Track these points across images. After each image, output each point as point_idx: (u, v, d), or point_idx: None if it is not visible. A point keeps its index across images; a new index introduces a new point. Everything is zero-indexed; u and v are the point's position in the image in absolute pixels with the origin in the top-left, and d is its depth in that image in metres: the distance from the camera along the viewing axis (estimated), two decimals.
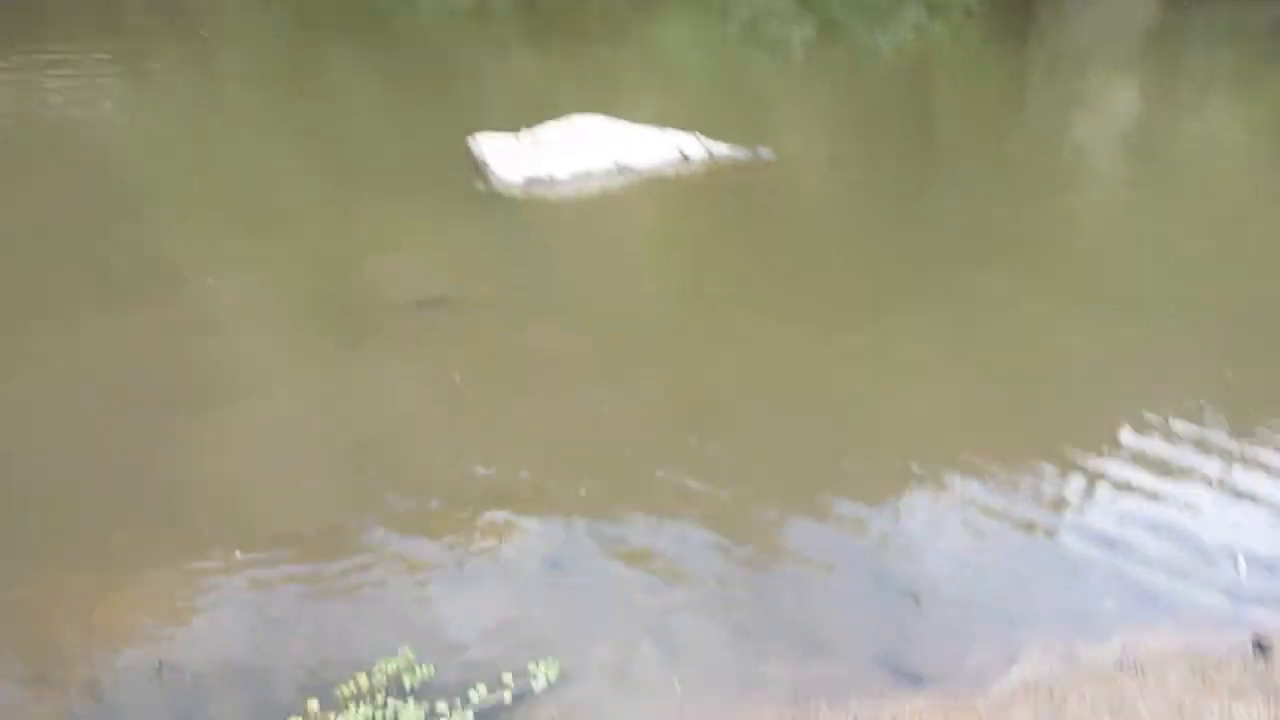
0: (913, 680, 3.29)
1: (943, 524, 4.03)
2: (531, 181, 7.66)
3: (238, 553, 3.64)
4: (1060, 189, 8.75)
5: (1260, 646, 3.40)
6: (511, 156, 7.87)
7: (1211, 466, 4.47)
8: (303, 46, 14.11)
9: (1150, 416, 4.85)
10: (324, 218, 6.91)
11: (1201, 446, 4.61)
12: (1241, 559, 3.86)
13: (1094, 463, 4.47)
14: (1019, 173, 9.40)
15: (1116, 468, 4.44)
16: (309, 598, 3.48)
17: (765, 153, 8.61)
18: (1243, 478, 4.40)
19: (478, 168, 7.90)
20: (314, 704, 2.98)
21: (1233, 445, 4.64)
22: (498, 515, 3.91)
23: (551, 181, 7.71)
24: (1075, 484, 4.32)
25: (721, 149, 8.49)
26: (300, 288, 5.77)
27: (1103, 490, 4.28)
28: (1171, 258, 7.32)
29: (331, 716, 2.94)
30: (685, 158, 8.31)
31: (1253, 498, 4.25)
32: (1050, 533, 4.02)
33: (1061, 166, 9.48)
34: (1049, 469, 4.42)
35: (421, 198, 7.46)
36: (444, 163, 8.13)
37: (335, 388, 4.77)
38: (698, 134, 8.57)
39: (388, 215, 7.09)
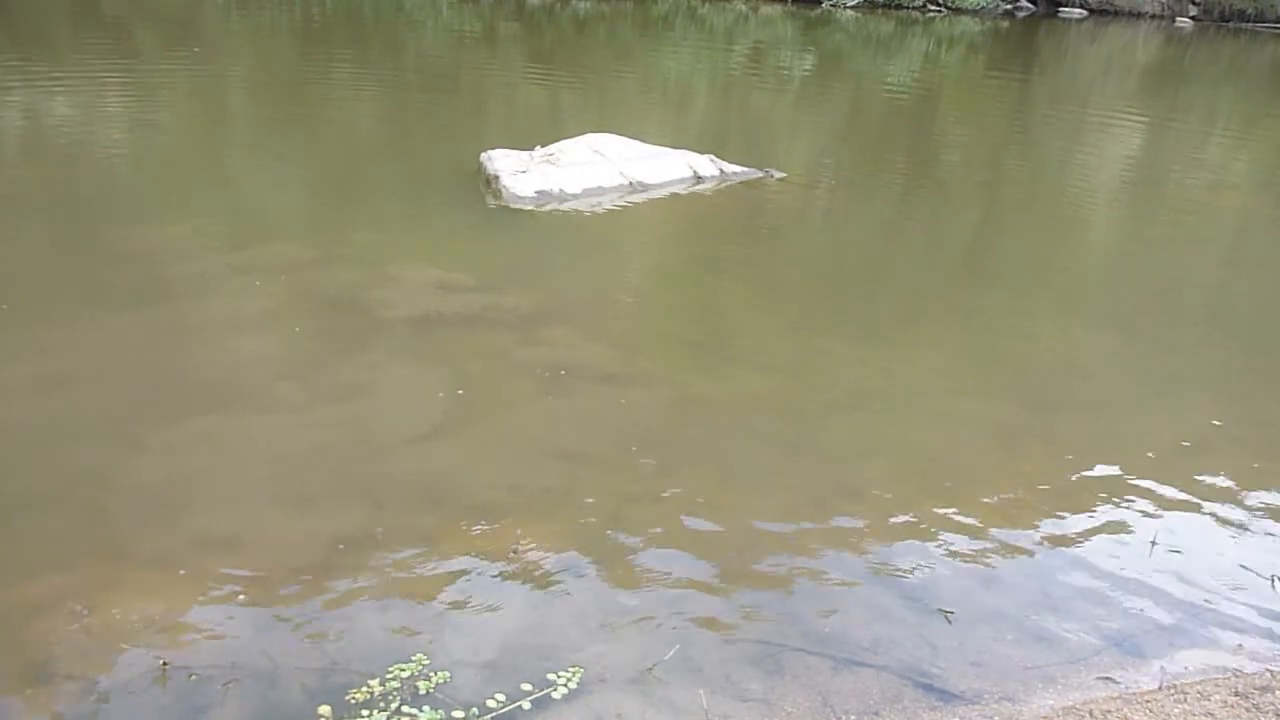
0: (945, 698, 3.16)
1: (972, 542, 3.92)
2: (543, 196, 7.59)
3: (244, 556, 3.52)
4: (1064, 214, 8.76)
5: None
6: (523, 171, 7.81)
7: (1242, 488, 4.39)
8: (308, 68, 14.16)
9: (1176, 437, 4.79)
10: (332, 231, 6.82)
11: (1231, 467, 4.53)
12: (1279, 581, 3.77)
13: (1124, 484, 4.38)
14: (1022, 198, 9.42)
15: (1146, 490, 4.35)
16: (317, 602, 3.34)
17: (777, 172, 8.58)
18: (1274, 498, 4.32)
19: (489, 182, 7.83)
20: (325, 709, 2.84)
21: (1263, 466, 4.56)
22: (511, 525, 3.79)
23: (563, 196, 7.65)
24: (1105, 505, 4.23)
25: (734, 168, 8.46)
26: (310, 297, 5.67)
27: (1134, 512, 4.19)
28: (1173, 279, 7.32)
29: None
30: (698, 176, 8.27)
31: None
32: (1083, 553, 3.91)
33: (1064, 193, 9.50)
34: (1077, 490, 4.33)
35: (431, 211, 7.39)
36: (455, 178, 8.07)
37: (346, 396, 4.66)
38: (711, 155, 8.54)
39: (397, 228, 7.01)
